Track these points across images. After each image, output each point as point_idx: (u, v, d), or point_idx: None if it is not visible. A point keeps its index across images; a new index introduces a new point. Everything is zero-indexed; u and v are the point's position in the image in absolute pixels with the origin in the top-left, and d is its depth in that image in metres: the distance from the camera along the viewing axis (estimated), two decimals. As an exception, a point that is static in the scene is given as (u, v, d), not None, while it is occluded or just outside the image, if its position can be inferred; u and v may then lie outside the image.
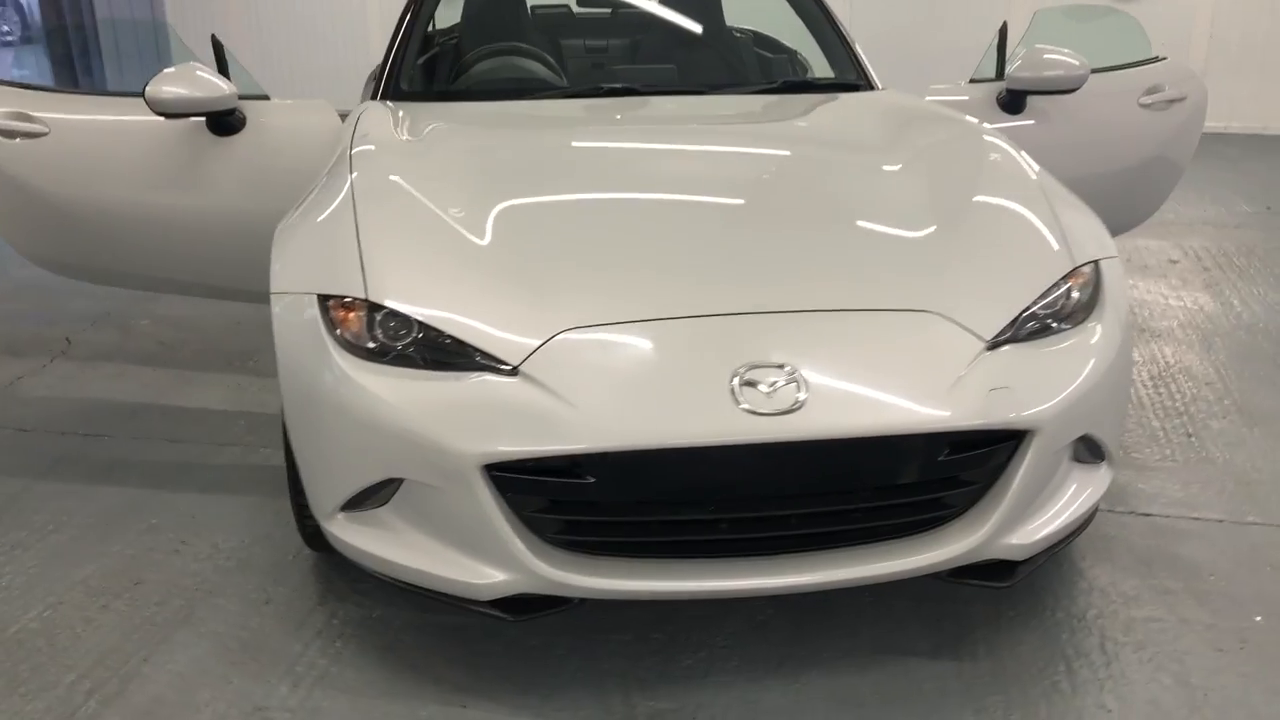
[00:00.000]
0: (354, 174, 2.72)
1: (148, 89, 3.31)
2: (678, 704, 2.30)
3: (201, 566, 2.81)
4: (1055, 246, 2.53)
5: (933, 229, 2.56)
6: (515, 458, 2.11)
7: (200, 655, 2.46)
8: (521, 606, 2.24)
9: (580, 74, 3.86)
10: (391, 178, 2.73)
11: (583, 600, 2.24)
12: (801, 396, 2.12)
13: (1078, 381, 2.29)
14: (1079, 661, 2.40)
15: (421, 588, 2.30)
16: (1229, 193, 6.91)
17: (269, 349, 2.43)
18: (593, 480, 2.13)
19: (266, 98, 3.59)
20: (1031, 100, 3.85)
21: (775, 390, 2.12)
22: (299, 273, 2.47)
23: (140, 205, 3.61)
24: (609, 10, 4.62)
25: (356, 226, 2.48)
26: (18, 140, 3.61)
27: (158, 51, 9.13)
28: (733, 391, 2.12)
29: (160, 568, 2.81)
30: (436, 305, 2.30)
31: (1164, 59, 4.19)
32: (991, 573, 2.34)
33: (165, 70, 3.36)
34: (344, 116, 3.44)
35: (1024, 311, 2.35)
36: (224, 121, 3.46)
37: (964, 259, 2.48)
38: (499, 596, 2.21)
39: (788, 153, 3.21)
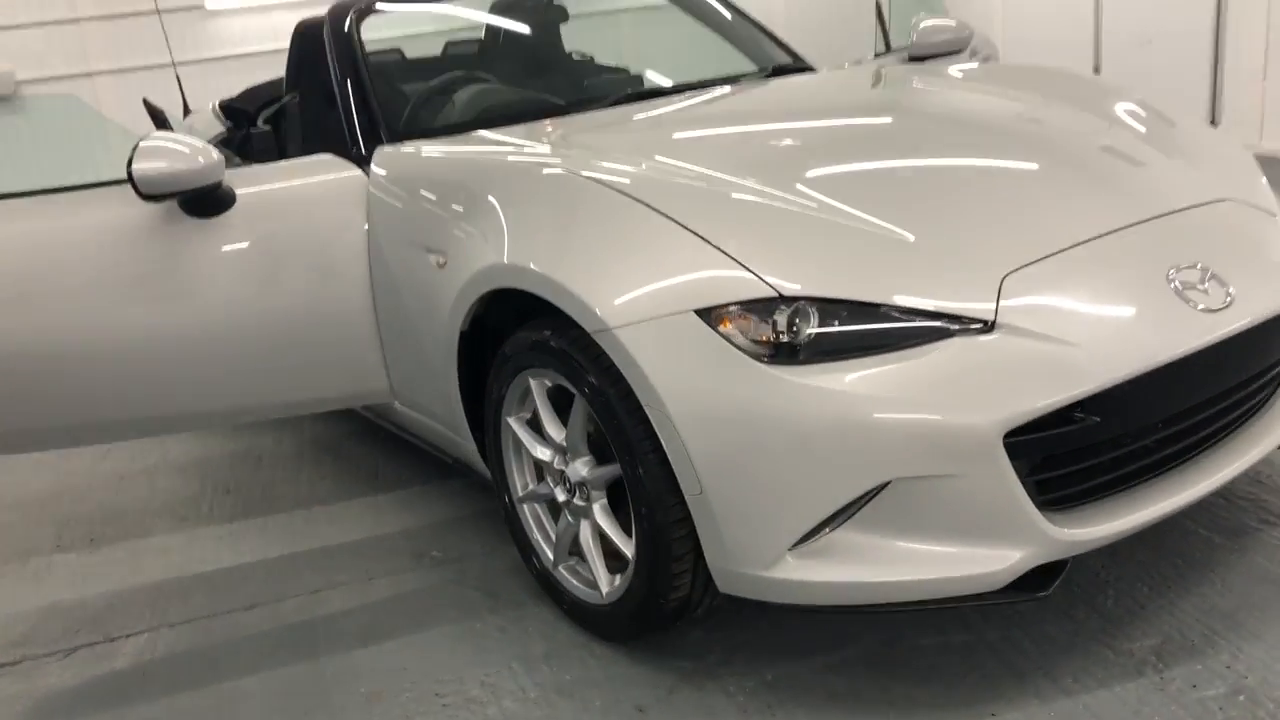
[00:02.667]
0: (604, 183, 2.32)
1: (134, 168, 2.57)
2: (1158, 636, 2.22)
3: (509, 708, 2.23)
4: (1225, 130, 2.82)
5: (1152, 143, 2.71)
6: (1037, 415, 1.94)
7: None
8: (1032, 583, 2.05)
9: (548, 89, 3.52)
10: (649, 186, 2.33)
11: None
12: (1228, 286, 2.16)
13: None
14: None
15: (915, 603, 2.03)
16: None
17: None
18: (1098, 419, 2.01)
19: (247, 162, 2.91)
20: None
21: (1208, 286, 2.15)
22: (647, 296, 2.07)
23: (101, 329, 2.76)
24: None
25: (683, 226, 2.13)
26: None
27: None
28: (1179, 295, 2.11)
29: (457, 729, 2.19)
30: (842, 283, 2.05)
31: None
32: None
33: (141, 144, 2.61)
34: None
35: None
36: (207, 199, 2.74)
37: (1208, 158, 2.67)
38: (1015, 577, 2.01)
39: (979, 108, 3.02)
